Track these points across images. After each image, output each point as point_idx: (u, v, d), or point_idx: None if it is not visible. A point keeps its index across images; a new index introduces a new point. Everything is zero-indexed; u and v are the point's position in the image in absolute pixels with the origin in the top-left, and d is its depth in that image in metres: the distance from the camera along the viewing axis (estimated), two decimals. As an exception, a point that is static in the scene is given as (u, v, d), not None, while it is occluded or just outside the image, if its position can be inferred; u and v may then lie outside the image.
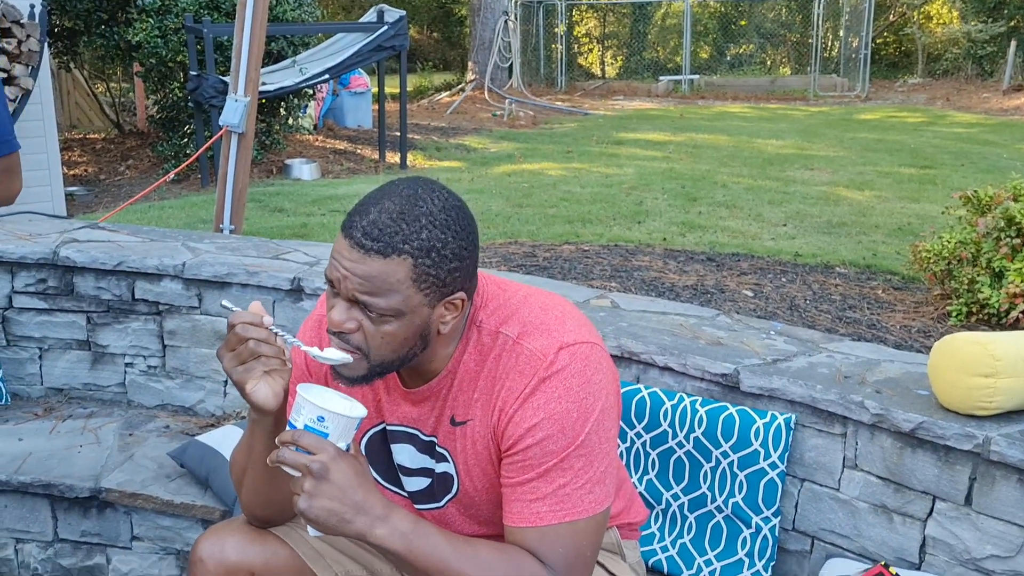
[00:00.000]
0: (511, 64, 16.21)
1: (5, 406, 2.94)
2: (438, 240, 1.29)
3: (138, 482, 2.51)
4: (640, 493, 2.12)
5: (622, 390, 2.01)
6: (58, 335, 2.98)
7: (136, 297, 2.91)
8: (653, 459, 2.14)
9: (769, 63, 20.07)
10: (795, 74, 18.60)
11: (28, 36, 6.32)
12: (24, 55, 6.34)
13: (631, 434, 2.15)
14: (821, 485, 2.03)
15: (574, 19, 20.27)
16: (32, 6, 6.51)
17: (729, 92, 16.98)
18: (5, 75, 6.26)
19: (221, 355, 1.34)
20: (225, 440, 2.51)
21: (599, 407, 1.35)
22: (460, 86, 16.44)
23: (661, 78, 17.89)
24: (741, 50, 19.81)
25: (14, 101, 6.31)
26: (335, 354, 1.31)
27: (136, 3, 7.97)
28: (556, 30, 18.38)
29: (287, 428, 1.29)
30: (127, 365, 2.99)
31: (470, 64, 16.32)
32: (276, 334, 1.33)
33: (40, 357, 3.00)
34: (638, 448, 2.15)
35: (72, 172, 8.79)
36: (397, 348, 1.33)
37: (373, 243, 1.26)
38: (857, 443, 1.96)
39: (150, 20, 7.95)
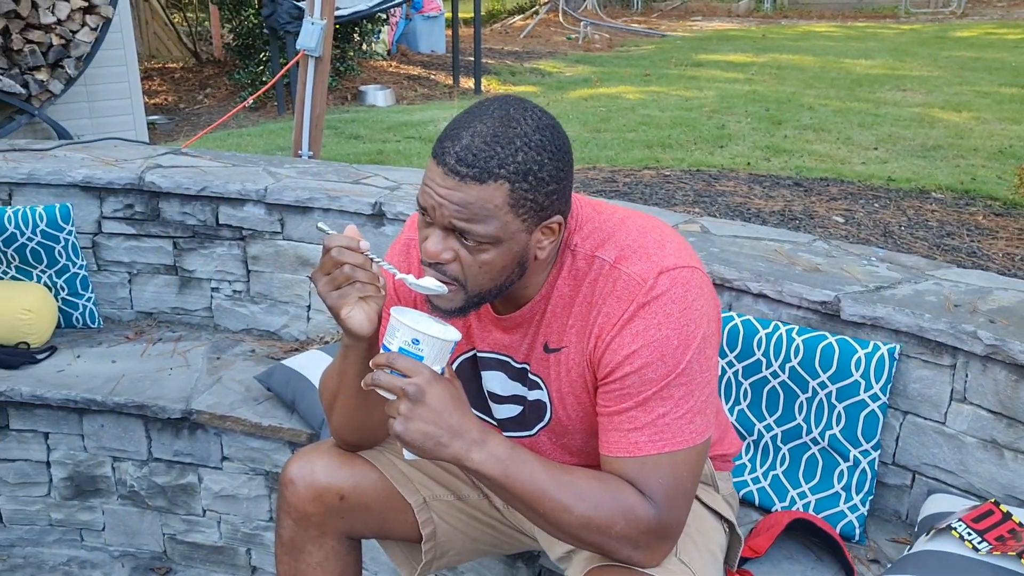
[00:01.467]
0: (586, -15, 15.75)
1: (98, 329, 3.01)
2: (534, 162, 1.22)
3: (227, 404, 2.54)
4: (732, 423, 2.05)
5: (715, 318, 1.93)
6: (146, 260, 3.02)
7: (220, 222, 2.93)
8: (745, 389, 2.07)
9: (858, -21, 19.04)
10: (885, -10, 17.64)
11: (106, -36, 6.33)
12: (103, -17, 6.36)
13: (723, 363, 2.08)
14: (925, 418, 1.93)
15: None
16: (109, -67, 6.51)
17: (814, 10, 16.25)
18: (86, 4, 6.31)
19: (316, 279, 1.31)
20: (310, 364, 2.52)
21: (700, 334, 1.29)
22: (533, 9, 16.08)
23: (742, -3, 17.19)
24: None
25: (95, 30, 6.37)
26: (432, 283, 1.27)
27: (210, -72, 7.91)
28: (632, -52, 17.75)
29: (381, 351, 1.26)
30: (213, 290, 3.02)
31: (544, -14, 15.92)
32: (371, 259, 1.29)
33: (130, 282, 3.05)
34: (730, 377, 2.09)
35: (153, 101, 8.91)
36: (495, 277, 1.28)
37: (468, 169, 1.20)
38: (967, 375, 1.86)
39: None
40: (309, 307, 2.93)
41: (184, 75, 10.34)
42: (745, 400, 2.08)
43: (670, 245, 1.34)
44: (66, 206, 2.84)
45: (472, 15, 9.17)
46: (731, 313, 2.10)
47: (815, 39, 12.64)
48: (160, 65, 11.11)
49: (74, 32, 6.31)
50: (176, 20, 12.05)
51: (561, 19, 14.94)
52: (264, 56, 8.78)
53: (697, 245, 2.34)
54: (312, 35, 3.99)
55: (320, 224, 1.35)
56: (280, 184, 2.87)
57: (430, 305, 1.31)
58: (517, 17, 16.01)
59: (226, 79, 9.61)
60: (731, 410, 2.10)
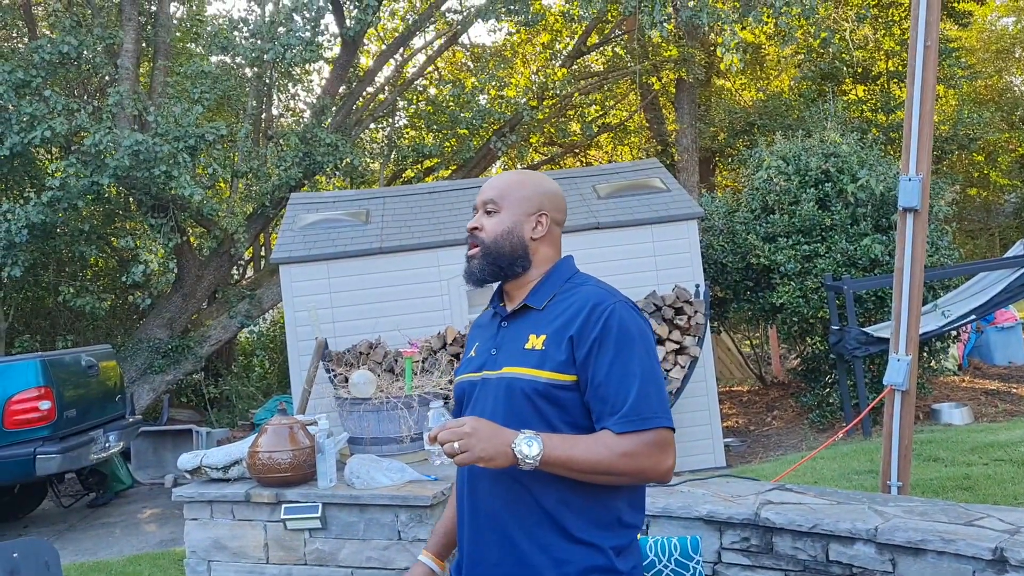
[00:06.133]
0: None
1: (715, 653, 3.28)
2: None
3: None
4: None
5: None
6: (759, 590, 3.28)
7: (830, 559, 3.09)
8: None
9: None
10: None
11: (696, 312, 7.40)
12: (692, 328, 7.40)
13: None
14: None
15: None
16: (697, 286, 7.66)
17: None
18: (677, 346, 7.36)
19: None
20: None
21: None
22: None
23: None
24: None
25: (684, 368, 7.34)
26: None
27: (779, 269, 8.78)
28: None
29: None
30: (823, 625, 3.13)
31: None
32: None
33: (744, 610, 3.32)
34: None
35: (725, 424, 9.66)
36: None
37: None
38: None
39: (792, 283, 8.67)
40: (924, 653, 2.88)
41: (751, 398, 11.09)
42: None
43: None
44: (696, 539, 3.27)
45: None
46: None
47: None
48: (727, 388, 12.08)
49: (668, 371, 7.33)
50: (738, 338, 13.15)
51: None
52: (829, 379, 9.09)
53: None
54: (899, 372, 4.18)
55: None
56: (889, 524, 2.98)
57: None
58: (1108, 315, 14.30)
59: (791, 400, 10.07)
60: None
